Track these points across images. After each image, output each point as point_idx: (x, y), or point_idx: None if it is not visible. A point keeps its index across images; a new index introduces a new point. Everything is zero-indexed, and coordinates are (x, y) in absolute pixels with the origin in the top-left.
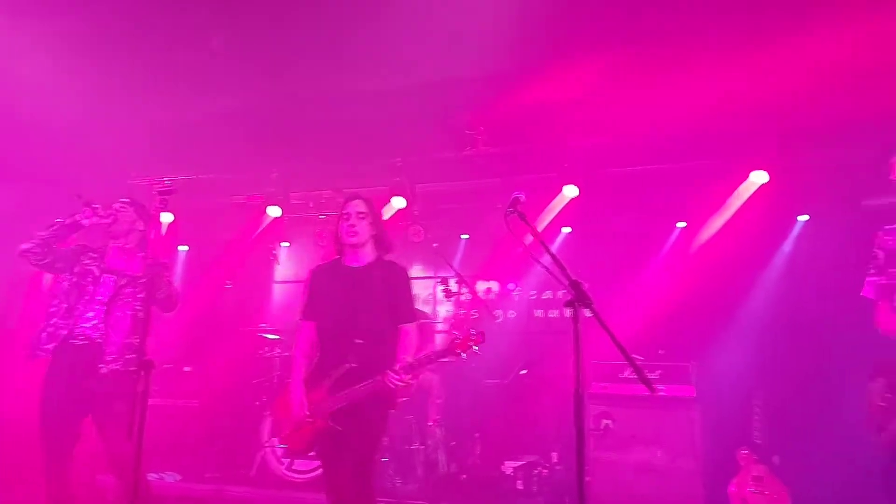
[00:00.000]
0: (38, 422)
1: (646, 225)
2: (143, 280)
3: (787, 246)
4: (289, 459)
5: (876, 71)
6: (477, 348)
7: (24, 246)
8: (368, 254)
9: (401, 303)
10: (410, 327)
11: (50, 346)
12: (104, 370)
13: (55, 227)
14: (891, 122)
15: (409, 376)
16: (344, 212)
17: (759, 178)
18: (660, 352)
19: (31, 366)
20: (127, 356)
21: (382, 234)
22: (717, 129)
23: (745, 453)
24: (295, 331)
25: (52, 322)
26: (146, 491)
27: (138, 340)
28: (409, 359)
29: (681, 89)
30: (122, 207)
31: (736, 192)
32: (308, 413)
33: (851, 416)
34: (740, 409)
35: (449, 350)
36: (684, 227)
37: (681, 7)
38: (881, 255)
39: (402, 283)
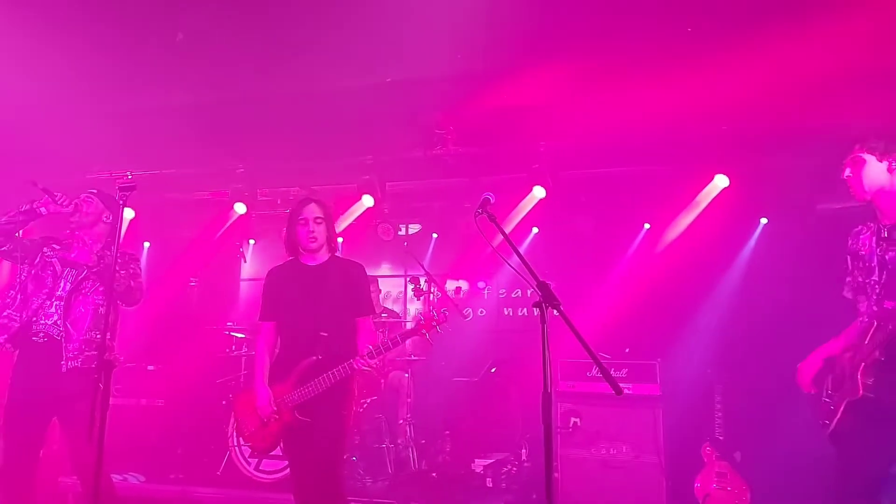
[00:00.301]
0: (1, 423)
1: (613, 226)
2: (101, 268)
3: (749, 247)
4: (256, 459)
5: (833, 78)
6: (440, 328)
7: None
8: (324, 253)
9: (359, 297)
10: (367, 320)
11: (2, 338)
12: (64, 368)
13: (11, 215)
14: (846, 128)
15: (375, 360)
16: (301, 217)
17: (722, 181)
18: (626, 350)
19: None
20: (87, 353)
21: (333, 234)
22: (681, 134)
23: (708, 449)
24: (256, 332)
25: (4, 313)
26: (110, 493)
27: (99, 336)
28: (375, 344)
29: (647, 94)
30: (88, 198)
31: (700, 195)
32: (275, 408)
33: (809, 413)
34: (703, 407)
35: (413, 331)
36: (650, 229)
37: (647, 15)
38: (848, 257)
39: (360, 278)
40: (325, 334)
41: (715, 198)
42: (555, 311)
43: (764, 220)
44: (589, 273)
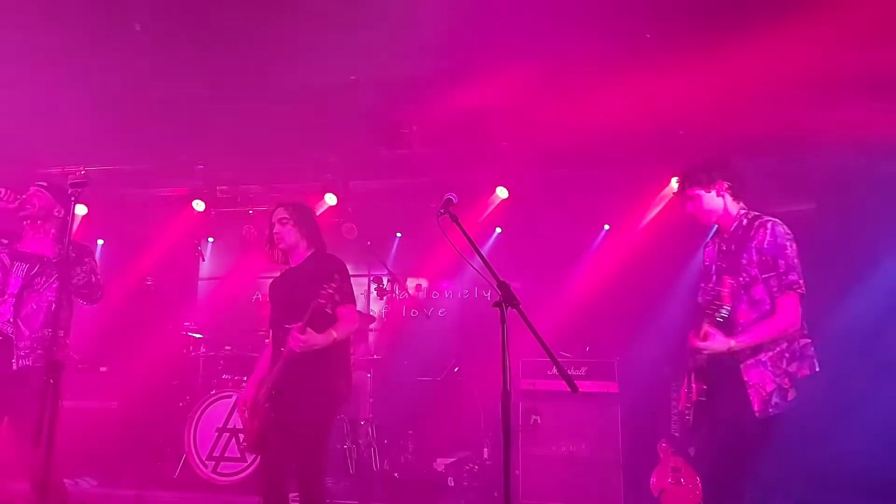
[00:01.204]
0: None
1: (574, 226)
2: (55, 262)
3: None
4: (213, 462)
5: (788, 82)
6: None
7: None
8: (303, 252)
9: (336, 287)
10: (348, 309)
11: None
12: (14, 366)
13: None
14: (799, 129)
15: (307, 336)
16: (270, 221)
17: (677, 184)
18: (586, 349)
19: None
20: (38, 351)
21: (312, 233)
22: (641, 137)
23: (664, 445)
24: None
25: None
26: (61, 497)
27: (51, 333)
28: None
29: (608, 98)
30: (37, 191)
31: (658, 197)
32: (252, 402)
33: None
34: (660, 404)
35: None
36: (609, 230)
37: (609, 18)
38: (703, 267)
39: (336, 269)
40: (289, 326)
41: (671, 200)
42: (515, 311)
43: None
44: (551, 273)
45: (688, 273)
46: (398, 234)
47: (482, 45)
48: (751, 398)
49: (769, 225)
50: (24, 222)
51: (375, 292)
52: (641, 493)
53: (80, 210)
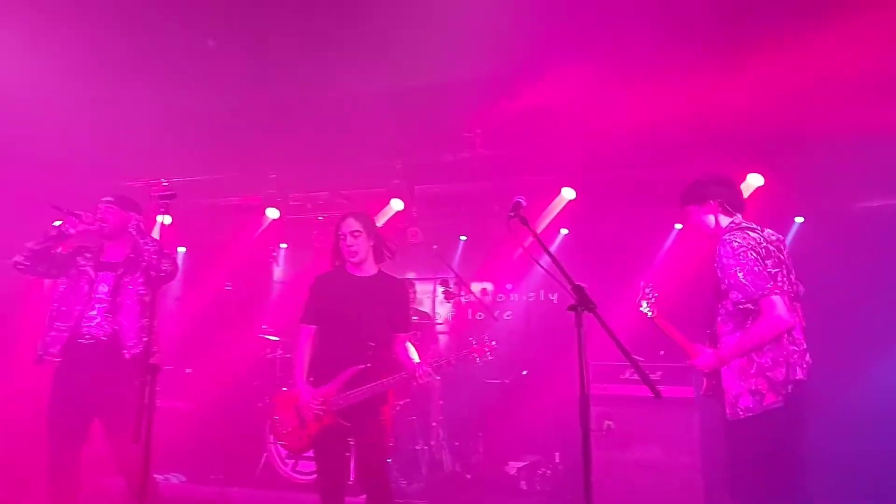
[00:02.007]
0: (45, 423)
1: (644, 227)
2: (132, 259)
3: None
4: (293, 461)
5: (872, 75)
6: (490, 356)
7: (15, 258)
8: (371, 265)
9: (402, 314)
10: (406, 336)
11: (55, 350)
12: (128, 355)
13: (41, 240)
14: (883, 126)
15: (434, 373)
16: (340, 232)
17: (755, 180)
18: (661, 353)
19: (35, 369)
20: (144, 339)
21: (380, 244)
22: (713, 133)
23: None
24: (296, 333)
25: (54, 326)
26: (155, 493)
27: (148, 322)
28: (435, 360)
29: (678, 93)
30: (107, 207)
31: None
32: (318, 409)
33: (847, 413)
34: None
35: (467, 356)
36: (682, 229)
37: (678, 12)
38: None
39: (403, 296)
40: (373, 344)
41: (748, 197)
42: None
43: (799, 220)
44: (620, 275)
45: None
46: (462, 238)
47: (545, 45)
48: (725, 402)
49: (723, 242)
50: (105, 239)
51: (442, 295)
52: (721, 499)
53: (166, 220)
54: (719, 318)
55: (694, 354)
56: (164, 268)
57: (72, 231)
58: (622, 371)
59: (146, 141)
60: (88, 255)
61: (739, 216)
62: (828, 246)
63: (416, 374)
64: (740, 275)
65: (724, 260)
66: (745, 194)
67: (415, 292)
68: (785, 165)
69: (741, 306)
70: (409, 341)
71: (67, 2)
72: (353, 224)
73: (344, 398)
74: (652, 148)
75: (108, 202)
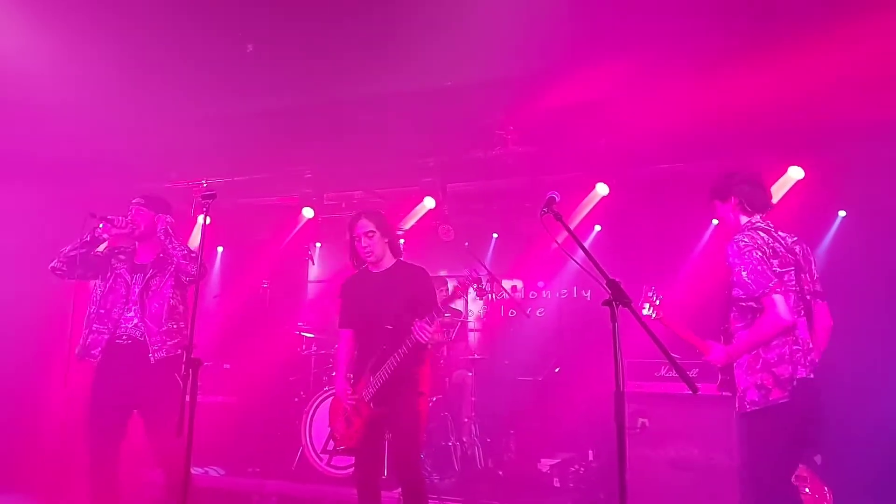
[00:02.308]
0: (85, 420)
1: (679, 222)
2: (162, 257)
3: (826, 241)
4: (328, 455)
5: None
6: (475, 287)
7: (52, 263)
8: (388, 260)
9: (424, 298)
10: (441, 319)
11: (96, 351)
12: (153, 360)
13: (76, 244)
14: None
15: (432, 327)
16: (354, 234)
17: (796, 173)
18: (697, 350)
19: (77, 367)
20: (169, 343)
21: (394, 240)
22: (751, 126)
23: None
24: (337, 340)
25: (92, 328)
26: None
27: (175, 325)
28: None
29: (713, 86)
30: (137, 210)
31: (772, 189)
32: (354, 401)
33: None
34: None
35: (460, 289)
36: (718, 224)
37: (713, 3)
38: None
39: (422, 280)
40: (390, 326)
41: (789, 191)
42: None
43: (842, 213)
44: (655, 271)
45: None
46: (494, 235)
47: (576, 41)
48: (736, 396)
49: (731, 241)
50: (138, 241)
51: (474, 293)
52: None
53: (206, 220)
54: (732, 315)
55: (705, 350)
56: (191, 271)
57: (105, 236)
58: (657, 368)
59: (187, 144)
60: (122, 258)
61: (758, 217)
62: (872, 240)
63: (415, 335)
64: (744, 273)
65: (731, 259)
66: (786, 188)
67: (447, 289)
68: (826, 158)
69: (745, 304)
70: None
71: (113, 12)
72: (366, 224)
73: (371, 384)
74: (688, 142)
75: (137, 203)
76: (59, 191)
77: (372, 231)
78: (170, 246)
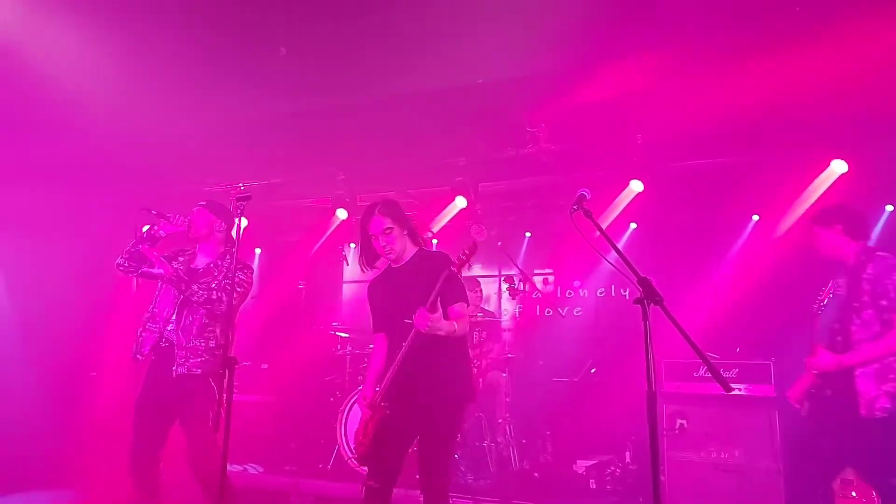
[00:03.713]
0: (131, 420)
1: (718, 218)
2: (212, 267)
3: (873, 237)
4: None
5: None
6: (466, 254)
7: (118, 260)
8: (409, 250)
9: (447, 285)
10: (460, 307)
11: (146, 350)
12: (174, 374)
13: (133, 242)
14: None
15: (436, 315)
16: (370, 233)
17: (839, 167)
18: (737, 350)
19: (124, 366)
20: (191, 360)
21: (412, 230)
22: (791, 118)
23: None
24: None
25: (146, 326)
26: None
27: (203, 344)
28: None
29: (751, 77)
30: (198, 211)
31: (815, 183)
32: (369, 404)
33: None
34: None
35: (452, 269)
36: (759, 220)
37: None
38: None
39: (444, 265)
40: (409, 321)
41: (832, 185)
42: (659, 308)
43: (890, 208)
44: (693, 269)
45: None
46: (527, 234)
47: (608, 34)
48: (859, 403)
49: (876, 258)
50: (194, 241)
51: (507, 292)
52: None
53: (243, 223)
54: (854, 327)
55: (813, 353)
56: (216, 311)
57: (161, 233)
58: (696, 368)
59: (224, 147)
60: (182, 260)
61: (867, 242)
62: None
63: (416, 325)
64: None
65: (884, 272)
66: (829, 182)
67: (481, 290)
68: (874, 150)
69: (886, 315)
70: (463, 311)
71: (150, 21)
72: (382, 222)
73: (383, 385)
74: (725, 135)
75: (201, 205)
76: (101, 196)
77: (390, 228)
78: (197, 286)
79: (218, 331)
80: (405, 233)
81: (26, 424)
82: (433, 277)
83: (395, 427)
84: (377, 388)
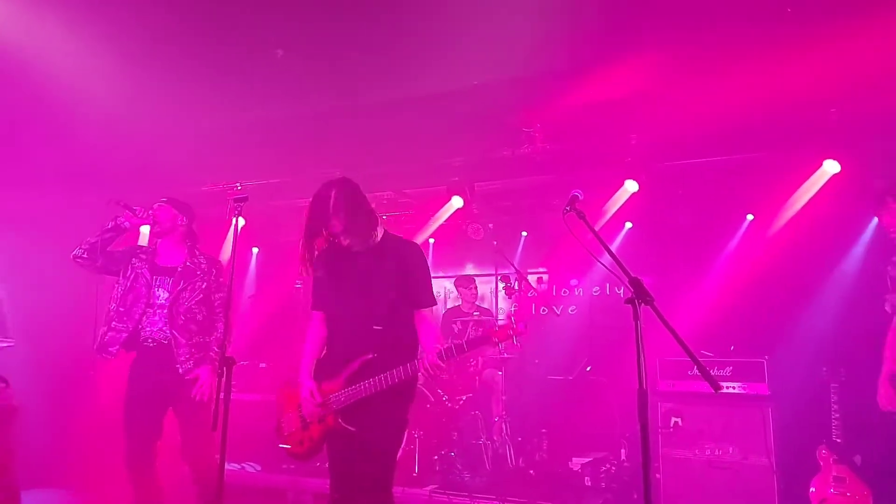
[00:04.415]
0: (122, 417)
1: (712, 218)
2: (182, 270)
3: (865, 237)
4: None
5: None
6: (517, 341)
7: (75, 252)
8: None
9: (417, 285)
10: (429, 313)
11: (114, 349)
12: (181, 370)
13: (99, 233)
14: None
15: (445, 364)
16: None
17: (832, 167)
18: (731, 348)
19: (109, 364)
20: (196, 356)
21: (368, 212)
22: (784, 119)
23: (824, 452)
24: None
25: (112, 325)
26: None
27: (203, 340)
28: (446, 344)
29: (743, 79)
30: (160, 206)
31: (807, 183)
32: (319, 406)
33: None
34: (817, 407)
35: (485, 339)
36: (753, 220)
37: None
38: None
39: (418, 262)
40: (379, 328)
41: (824, 185)
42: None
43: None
44: (688, 268)
45: (846, 264)
46: (524, 233)
47: (603, 36)
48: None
49: None
50: (156, 236)
51: (503, 291)
52: (797, 501)
53: (240, 222)
54: None
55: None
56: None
57: (127, 224)
58: (690, 366)
59: (221, 149)
60: (143, 257)
61: None
62: None
63: (421, 368)
64: None
65: None
66: (821, 182)
67: (476, 288)
68: (865, 151)
69: None
70: (431, 317)
71: (143, 22)
72: (335, 221)
73: (345, 395)
74: (718, 135)
75: (162, 202)
76: (97, 197)
77: (339, 209)
78: (217, 283)
79: (218, 328)
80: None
81: (26, 424)
82: (406, 274)
83: (346, 441)
84: (331, 387)
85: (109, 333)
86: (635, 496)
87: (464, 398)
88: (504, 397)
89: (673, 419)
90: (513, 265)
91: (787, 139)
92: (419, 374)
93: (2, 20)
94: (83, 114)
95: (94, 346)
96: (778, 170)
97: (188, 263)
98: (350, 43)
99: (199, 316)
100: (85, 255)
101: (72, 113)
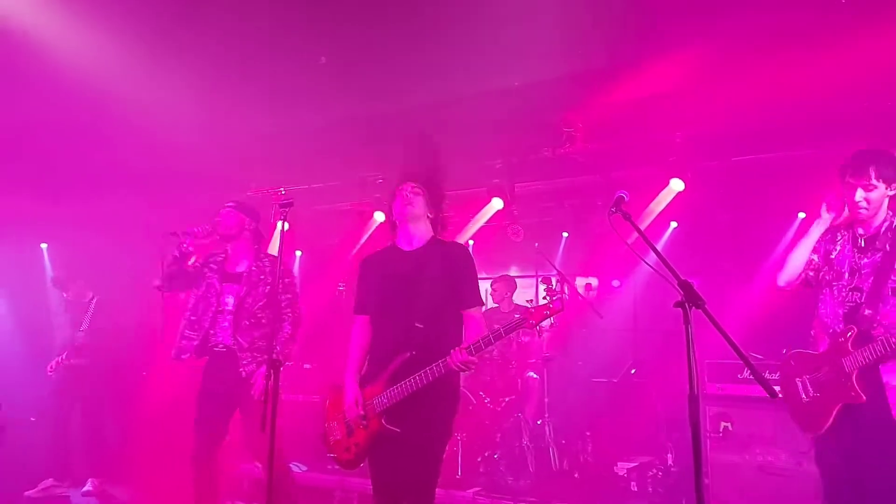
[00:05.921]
0: (193, 417)
1: (761, 216)
2: (247, 273)
3: None
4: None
5: None
6: (552, 319)
7: (155, 283)
8: (423, 234)
9: (464, 285)
10: (476, 312)
11: (186, 356)
12: (243, 374)
13: (168, 263)
14: None
15: (475, 357)
16: (398, 191)
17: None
18: (783, 351)
19: (175, 368)
20: (259, 358)
21: (438, 215)
22: (837, 112)
23: None
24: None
25: (185, 334)
26: (288, 478)
27: (265, 344)
28: (475, 339)
29: (794, 71)
30: (227, 212)
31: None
32: (362, 411)
33: None
34: None
35: (520, 322)
36: (805, 218)
37: None
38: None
39: (465, 263)
40: (421, 326)
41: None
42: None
43: None
44: (736, 268)
45: None
46: (564, 234)
47: (645, 31)
48: (889, 400)
49: None
50: (225, 242)
51: (545, 293)
52: None
53: (285, 227)
54: (888, 308)
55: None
56: (288, 313)
57: (190, 249)
58: (740, 370)
59: (265, 154)
60: (214, 266)
61: None
62: None
63: (450, 363)
64: None
65: None
66: None
67: (514, 289)
68: None
69: None
70: (480, 318)
71: (191, 30)
72: (412, 187)
73: (386, 396)
74: (767, 131)
75: (228, 206)
76: (148, 203)
77: (418, 190)
78: (283, 287)
79: (285, 329)
80: (428, 210)
81: (81, 422)
82: (452, 274)
83: (392, 444)
84: (374, 390)
85: (182, 342)
86: (683, 501)
87: (506, 400)
88: (547, 399)
89: (722, 424)
90: (554, 266)
91: (840, 132)
92: (453, 369)
93: (72, 33)
94: (126, 121)
95: (172, 354)
96: (829, 165)
97: (253, 268)
98: (390, 47)
99: (263, 320)
100: (164, 284)
101: (117, 121)
